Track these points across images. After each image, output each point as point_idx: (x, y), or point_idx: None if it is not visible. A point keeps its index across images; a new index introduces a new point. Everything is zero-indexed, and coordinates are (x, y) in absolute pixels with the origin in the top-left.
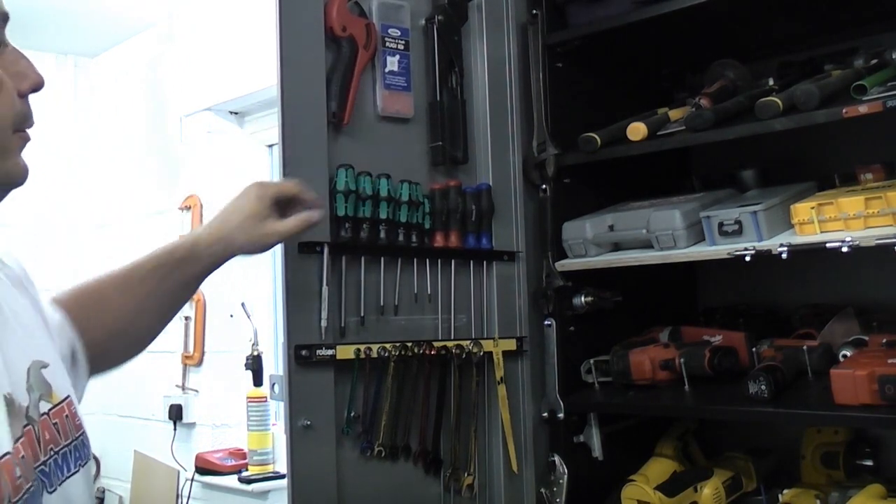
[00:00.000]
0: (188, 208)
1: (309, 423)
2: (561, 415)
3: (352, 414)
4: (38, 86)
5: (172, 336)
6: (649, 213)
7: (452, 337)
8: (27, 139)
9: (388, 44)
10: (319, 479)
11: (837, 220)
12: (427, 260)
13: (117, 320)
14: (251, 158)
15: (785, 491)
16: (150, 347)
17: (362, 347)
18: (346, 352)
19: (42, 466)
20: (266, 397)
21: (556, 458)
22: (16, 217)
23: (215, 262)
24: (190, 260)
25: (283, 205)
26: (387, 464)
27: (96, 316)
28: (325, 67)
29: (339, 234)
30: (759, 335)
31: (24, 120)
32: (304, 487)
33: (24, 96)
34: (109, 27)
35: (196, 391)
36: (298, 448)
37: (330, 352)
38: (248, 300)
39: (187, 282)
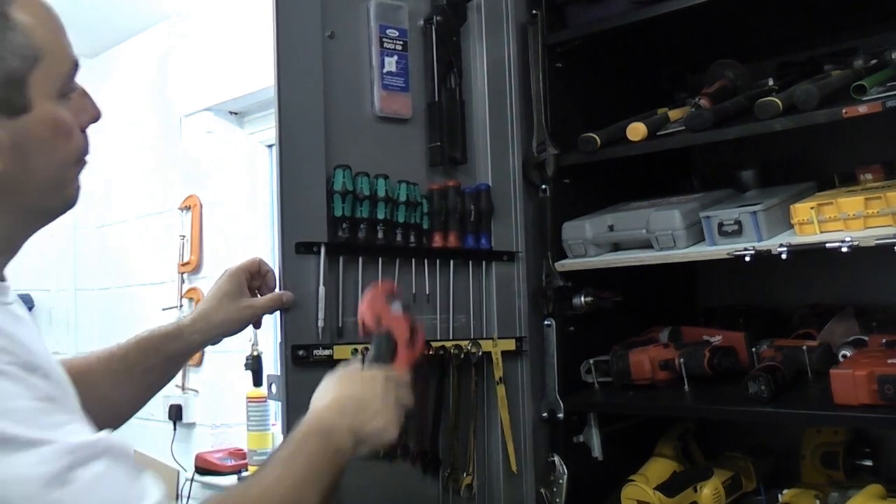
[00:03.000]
0: (188, 208)
1: None
2: (561, 415)
3: None
4: (95, 119)
5: None
6: (649, 213)
7: (451, 337)
8: (84, 165)
9: (385, 44)
10: None
11: (837, 220)
12: (425, 260)
13: (97, 387)
14: (251, 158)
15: (785, 491)
16: None
17: (360, 347)
18: (343, 352)
19: None
20: (266, 397)
21: (556, 458)
22: None
23: (199, 339)
24: (173, 336)
25: (258, 279)
26: (385, 463)
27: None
28: (321, 68)
29: (336, 235)
30: (759, 335)
31: (84, 153)
32: None
33: (83, 130)
34: (108, 28)
35: (196, 391)
36: None
37: (327, 352)
38: None
39: (171, 357)
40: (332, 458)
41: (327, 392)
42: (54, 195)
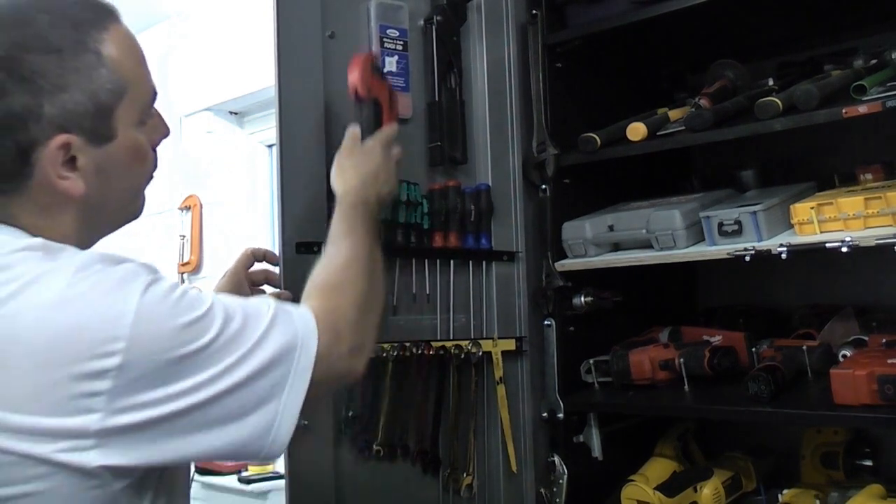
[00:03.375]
0: (188, 208)
1: (306, 423)
2: (561, 415)
3: (350, 414)
4: (165, 136)
5: None
6: (649, 213)
7: (451, 337)
8: (151, 179)
9: (386, 44)
10: (317, 479)
11: (837, 220)
12: (426, 260)
13: None
14: (251, 158)
15: (785, 491)
16: None
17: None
18: None
19: None
20: None
21: (556, 458)
22: None
23: None
24: None
25: (259, 273)
26: (385, 463)
27: None
28: (321, 68)
29: None
30: (759, 335)
31: (154, 168)
32: (301, 487)
33: (154, 148)
34: None
35: None
36: (296, 448)
37: None
38: None
39: None
40: (372, 222)
41: (345, 171)
42: (126, 210)
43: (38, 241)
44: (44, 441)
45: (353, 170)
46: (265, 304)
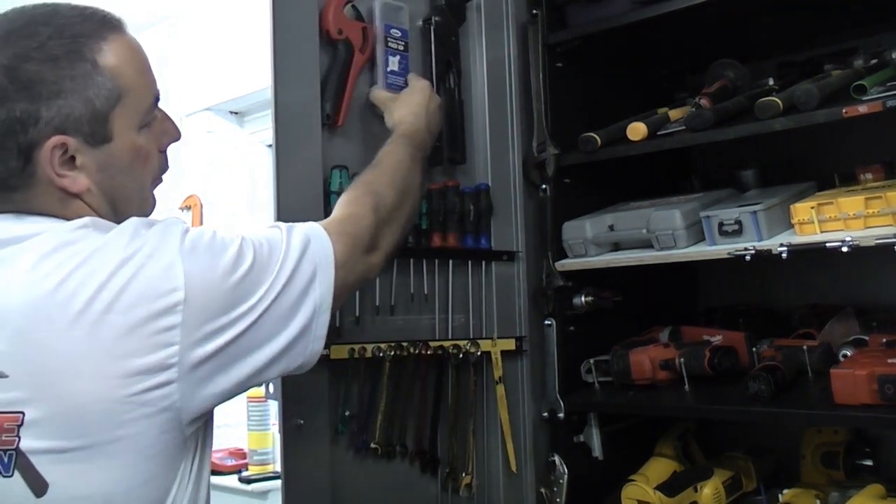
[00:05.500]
0: (188, 208)
1: (302, 422)
2: (561, 414)
3: (346, 413)
4: (176, 139)
5: None
6: (649, 213)
7: (450, 337)
8: (160, 182)
9: (390, 44)
10: (313, 479)
11: (837, 220)
12: (424, 260)
13: None
14: (251, 158)
15: (785, 491)
16: None
17: (356, 347)
18: (340, 351)
19: None
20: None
21: (556, 458)
22: None
23: None
24: None
25: None
26: (383, 462)
27: None
28: (321, 69)
29: None
30: (759, 335)
31: (161, 172)
32: (297, 487)
33: (163, 151)
34: None
35: None
36: (292, 448)
37: (324, 351)
38: None
39: None
40: (418, 150)
41: (397, 107)
42: (135, 206)
43: (89, 219)
44: (134, 382)
45: (405, 106)
46: (274, 227)
